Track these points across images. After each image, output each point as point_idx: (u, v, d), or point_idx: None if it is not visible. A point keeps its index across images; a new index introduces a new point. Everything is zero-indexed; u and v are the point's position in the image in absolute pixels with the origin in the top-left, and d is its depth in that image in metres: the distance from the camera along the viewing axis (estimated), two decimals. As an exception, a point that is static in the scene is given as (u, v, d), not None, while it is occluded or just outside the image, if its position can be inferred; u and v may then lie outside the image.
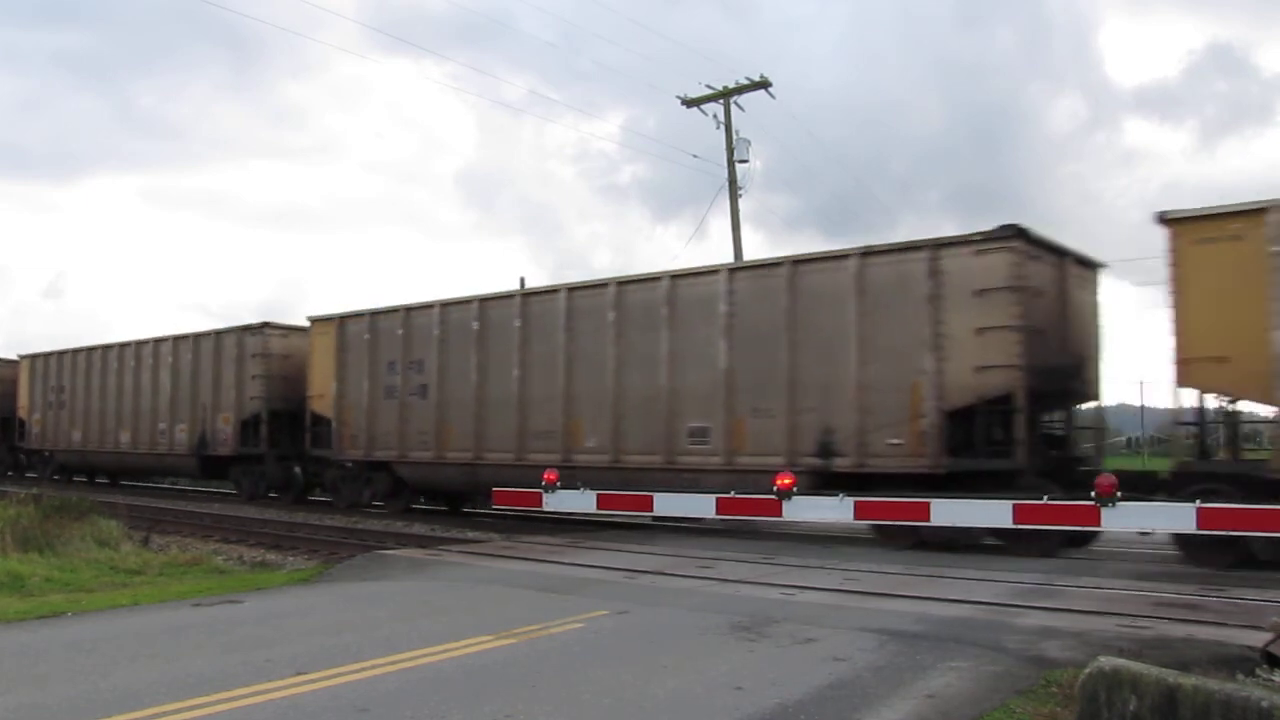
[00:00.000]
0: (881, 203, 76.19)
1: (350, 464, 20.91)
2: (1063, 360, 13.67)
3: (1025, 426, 12.82)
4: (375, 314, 20.33)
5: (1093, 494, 11.57)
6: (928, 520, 12.89)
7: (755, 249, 65.50)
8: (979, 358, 12.91)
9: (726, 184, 26.21)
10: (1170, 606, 8.69)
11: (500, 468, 17.82)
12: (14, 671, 6.41)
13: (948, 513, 12.78)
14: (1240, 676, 5.77)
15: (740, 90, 26.23)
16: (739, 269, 15.87)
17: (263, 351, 23.05)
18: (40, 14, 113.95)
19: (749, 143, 26.38)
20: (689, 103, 26.68)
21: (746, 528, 16.30)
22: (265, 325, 23.36)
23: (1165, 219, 12.05)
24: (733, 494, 14.41)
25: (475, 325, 18.49)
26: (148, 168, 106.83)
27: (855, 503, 13.33)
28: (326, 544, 16.16)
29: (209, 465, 24.79)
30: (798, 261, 14.67)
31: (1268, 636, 6.89)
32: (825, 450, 14.14)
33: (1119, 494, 11.50)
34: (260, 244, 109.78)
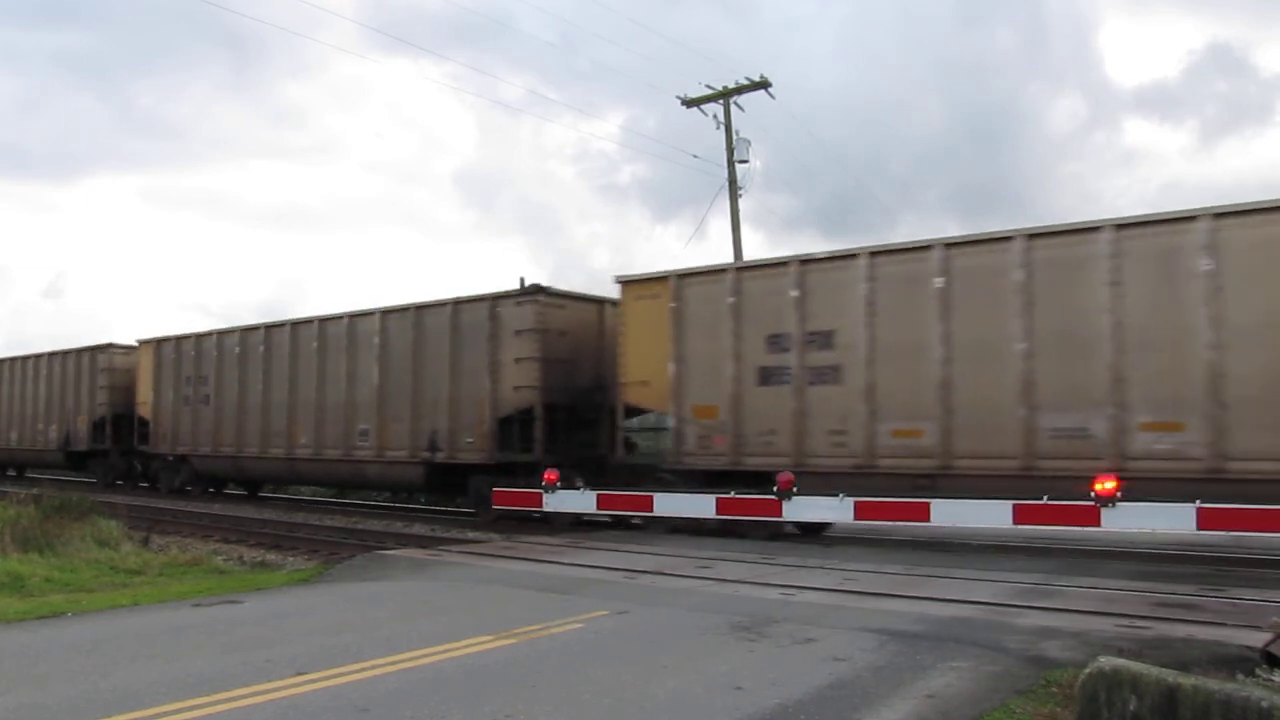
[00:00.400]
0: (881, 203, 76.02)
1: (171, 457, 25.71)
2: (591, 383, 17.51)
3: (542, 430, 17.11)
4: (179, 338, 25.43)
5: (1092, 495, 11.61)
6: (928, 520, 12.92)
7: (755, 249, 65.36)
8: (516, 380, 17.40)
9: (726, 184, 26.21)
10: (1170, 606, 8.69)
11: (252, 459, 22.96)
12: (14, 671, 6.41)
13: (948, 513, 12.81)
14: (1240, 676, 5.77)
15: (740, 90, 26.21)
16: (389, 311, 20.03)
17: (108, 366, 28.03)
18: (40, 14, 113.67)
19: (749, 143, 26.37)
20: (689, 103, 26.67)
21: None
22: (110, 345, 28.33)
23: (619, 280, 16.52)
24: (732, 494, 14.46)
25: (237, 349, 23.43)
26: (148, 168, 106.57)
27: (855, 503, 13.36)
28: (326, 544, 16.17)
29: (72, 458, 29.56)
30: (420, 307, 19.31)
31: (1267, 636, 6.90)
32: (432, 446, 18.70)
33: (1119, 495, 11.54)
34: (260, 244, 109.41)
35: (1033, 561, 12.15)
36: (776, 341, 14.63)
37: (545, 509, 16.43)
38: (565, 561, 12.12)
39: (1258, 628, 7.37)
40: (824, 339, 14.19)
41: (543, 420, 17.09)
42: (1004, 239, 12.99)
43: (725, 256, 26.36)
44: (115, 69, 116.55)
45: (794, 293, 14.44)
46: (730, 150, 26.21)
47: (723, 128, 26.33)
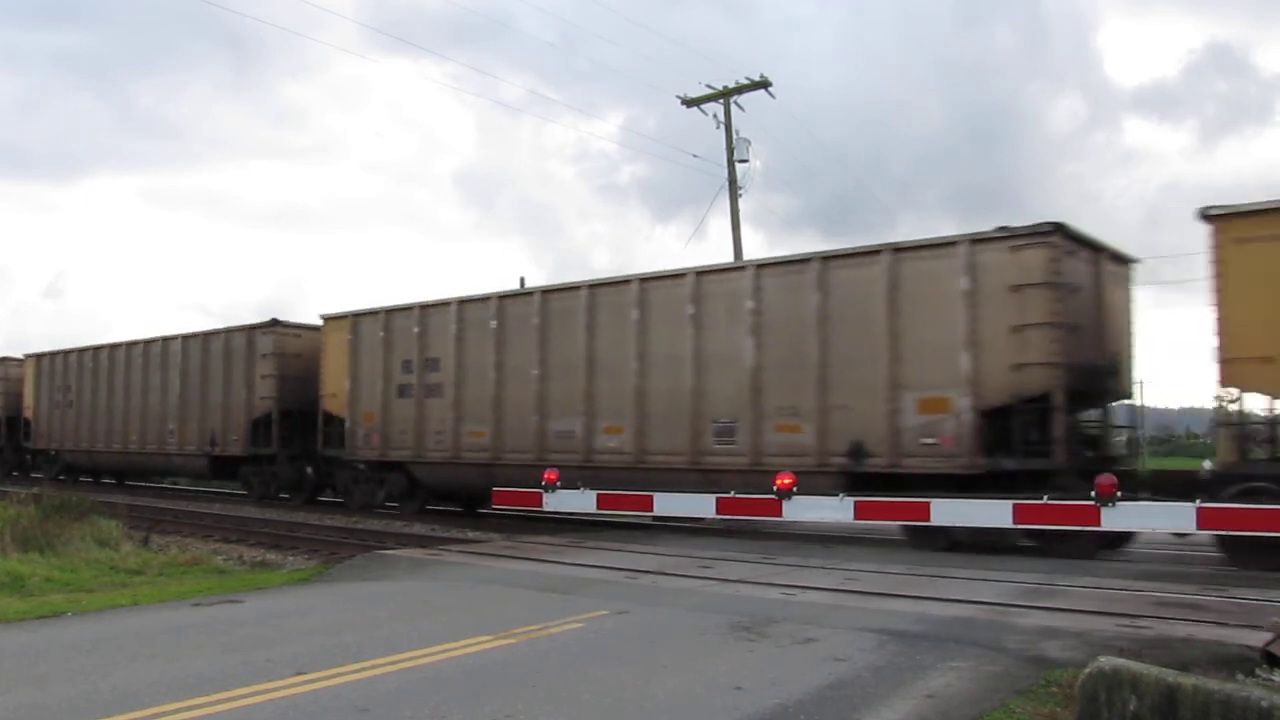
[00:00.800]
0: (881, 203, 76.24)
1: (52, 452, 30.79)
2: (318, 394, 21.56)
3: (277, 430, 22.63)
4: (52, 354, 30.96)
5: (1093, 494, 11.61)
6: (928, 520, 12.93)
7: (755, 249, 65.59)
8: (262, 392, 23.03)
9: (726, 184, 26.19)
10: (1170, 606, 8.69)
11: (101, 453, 28.51)
12: (14, 671, 6.41)
13: (948, 512, 12.82)
14: (1240, 676, 5.77)
15: (740, 90, 26.19)
16: (188, 336, 25.57)
17: (4, 376, 33.83)
18: (40, 14, 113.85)
19: (749, 143, 26.33)
20: (689, 103, 26.65)
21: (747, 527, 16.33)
22: (6, 358, 34.16)
23: (322, 316, 21.81)
24: (733, 494, 14.47)
25: (91, 364, 28.93)
26: (148, 168, 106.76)
27: (855, 503, 13.37)
28: (326, 544, 16.18)
29: None
30: (206, 334, 25.01)
31: (1268, 636, 6.89)
32: (212, 442, 24.25)
33: (1119, 494, 11.53)
34: (260, 244, 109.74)
35: (1034, 561, 12.13)
36: (407, 365, 19.60)
37: (545, 508, 16.49)
38: (566, 561, 12.13)
39: (1258, 627, 7.37)
40: (434, 364, 19.10)
41: (278, 423, 22.64)
42: (528, 293, 18.11)
43: (726, 256, 26.40)
44: (115, 69, 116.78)
45: (416, 329, 19.48)
46: (730, 150, 26.19)
47: (723, 128, 26.32)
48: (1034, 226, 12.73)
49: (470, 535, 16.61)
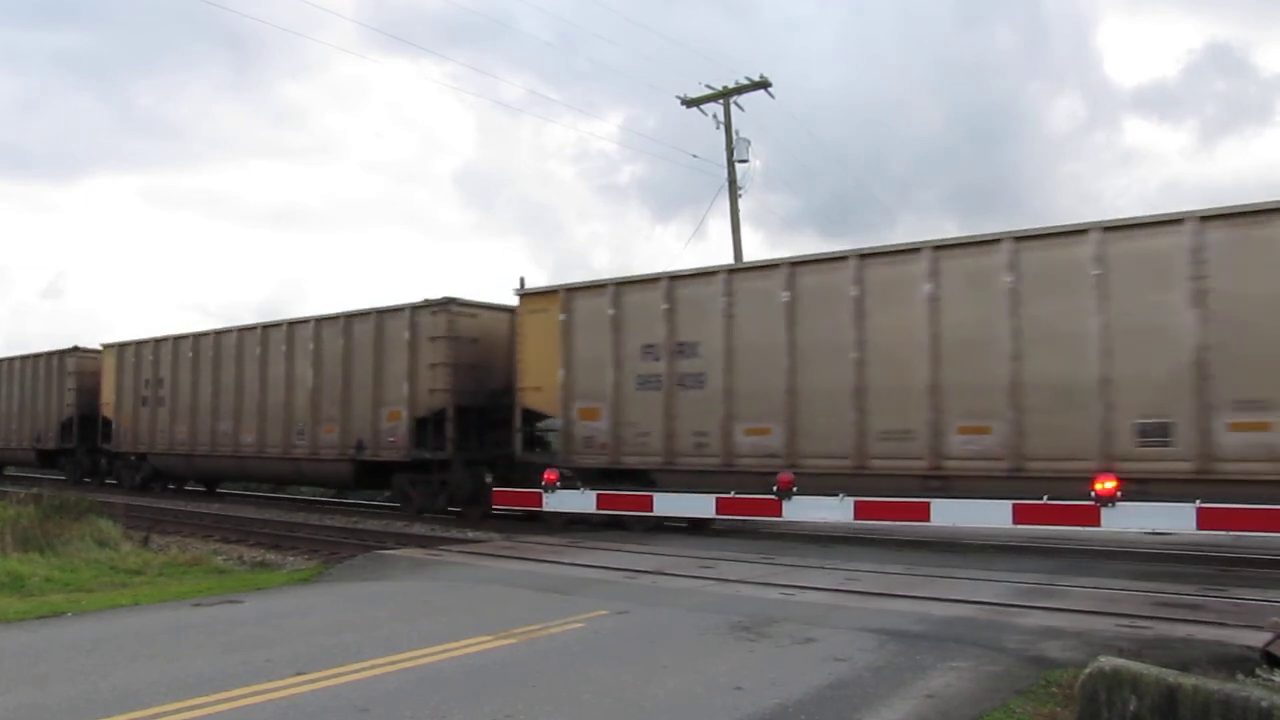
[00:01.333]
0: (881, 203, 75.97)
1: None
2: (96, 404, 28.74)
3: (76, 429, 29.31)
4: None
5: (1093, 495, 11.62)
6: (927, 520, 12.93)
7: (755, 249, 65.61)
8: (67, 401, 29.62)
9: (726, 184, 26.18)
10: (1170, 606, 8.69)
11: None
12: (14, 671, 6.41)
13: (948, 512, 12.82)
14: (1240, 676, 5.77)
15: (740, 90, 26.16)
16: (25, 358, 32.03)
17: None
18: (40, 14, 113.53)
19: (749, 143, 26.26)
20: (689, 103, 26.64)
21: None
22: None
23: (102, 345, 28.18)
24: (733, 494, 14.46)
25: None
26: (148, 168, 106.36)
27: (855, 503, 13.37)
28: (326, 544, 16.17)
29: None
30: (36, 356, 31.41)
31: (1268, 636, 6.89)
32: (38, 439, 30.87)
33: (1120, 495, 11.54)
34: (260, 244, 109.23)
35: (1035, 561, 12.14)
36: (147, 383, 26.16)
37: (545, 508, 16.49)
38: (565, 561, 12.12)
39: (1258, 628, 7.37)
40: (161, 382, 25.63)
41: (78, 424, 29.29)
42: (208, 334, 24.47)
43: (726, 256, 26.41)
44: (115, 69, 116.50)
45: (151, 357, 26.08)
46: (730, 150, 26.17)
47: (723, 128, 26.28)
48: (438, 299, 18.91)
49: (470, 535, 16.60)
